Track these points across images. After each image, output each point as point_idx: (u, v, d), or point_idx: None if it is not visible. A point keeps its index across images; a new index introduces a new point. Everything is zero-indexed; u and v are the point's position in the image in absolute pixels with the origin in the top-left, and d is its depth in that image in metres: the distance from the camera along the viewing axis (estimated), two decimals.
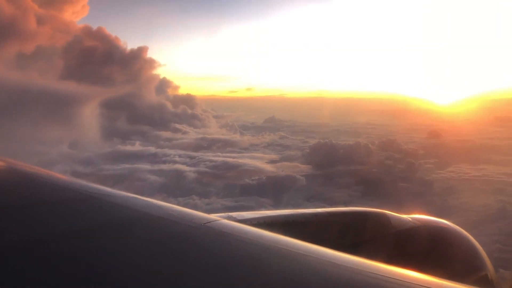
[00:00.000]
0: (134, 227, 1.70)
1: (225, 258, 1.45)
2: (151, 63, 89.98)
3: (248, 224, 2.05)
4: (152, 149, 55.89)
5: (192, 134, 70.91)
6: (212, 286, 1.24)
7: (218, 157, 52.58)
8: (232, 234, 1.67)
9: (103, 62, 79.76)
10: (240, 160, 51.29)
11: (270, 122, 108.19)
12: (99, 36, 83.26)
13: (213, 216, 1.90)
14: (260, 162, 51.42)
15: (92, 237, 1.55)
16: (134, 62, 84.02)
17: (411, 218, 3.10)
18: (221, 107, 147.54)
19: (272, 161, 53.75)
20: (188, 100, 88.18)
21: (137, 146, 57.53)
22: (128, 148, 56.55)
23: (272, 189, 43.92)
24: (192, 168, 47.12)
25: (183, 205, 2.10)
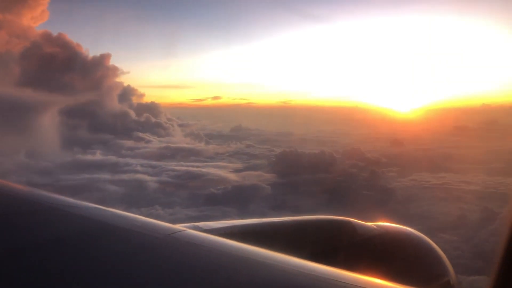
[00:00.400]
0: (97, 239, 1.66)
1: (192, 269, 1.43)
2: (113, 70, 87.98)
3: (214, 234, 2.01)
4: (113, 158, 54.83)
5: (155, 143, 69.96)
6: None
7: (181, 167, 51.87)
8: (198, 244, 1.65)
9: (63, 69, 77.73)
10: (203, 170, 50.77)
11: (236, 131, 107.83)
12: (60, 42, 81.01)
13: (178, 227, 1.87)
14: (224, 172, 51.06)
15: (53, 250, 1.50)
16: (96, 70, 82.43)
17: (376, 225, 3.11)
18: (187, 116, 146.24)
19: (236, 170, 53.54)
20: (152, 108, 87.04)
21: (97, 156, 56.24)
22: (89, 157, 55.24)
23: (237, 198, 43.82)
24: (154, 178, 46.39)
25: (146, 216, 2.05)
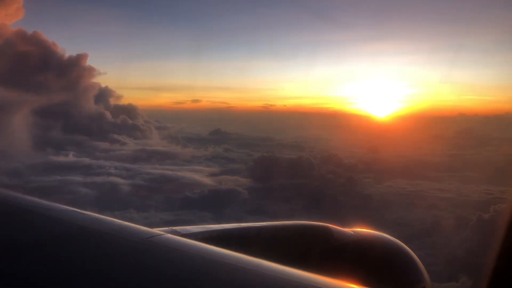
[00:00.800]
0: (73, 242, 1.62)
1: (169, 274, 1.41)
2: (90, 71, 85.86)
3: (192, 239, 1.97)
4: (86, 160, 53.65)
5: (131, 145, 68.87)
6: None
7: (156, 170, 51.24)
8: (176, 249, 1.63)
9: (38, 68, 75.53)
10: (178, 173, 50.10)
11: (215, 135, 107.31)
12: (34, 40, 78.82)
13: (156, 231, 1.83)
14: (199, 176, 50.50)
15: (27, 253, 1.46)
16: (71, 70, 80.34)
17: (353, 231, 3.13)
18: (166, 118, 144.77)
19: (212, 174, 53.11)
20: (129, 110, 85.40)
21: (70, 157, 55.02)
22: (61, 159, 53.89)
23: (214, 202, 43.59)
24: (127, 181, 45.63)
25: (120, 220, 2.00)
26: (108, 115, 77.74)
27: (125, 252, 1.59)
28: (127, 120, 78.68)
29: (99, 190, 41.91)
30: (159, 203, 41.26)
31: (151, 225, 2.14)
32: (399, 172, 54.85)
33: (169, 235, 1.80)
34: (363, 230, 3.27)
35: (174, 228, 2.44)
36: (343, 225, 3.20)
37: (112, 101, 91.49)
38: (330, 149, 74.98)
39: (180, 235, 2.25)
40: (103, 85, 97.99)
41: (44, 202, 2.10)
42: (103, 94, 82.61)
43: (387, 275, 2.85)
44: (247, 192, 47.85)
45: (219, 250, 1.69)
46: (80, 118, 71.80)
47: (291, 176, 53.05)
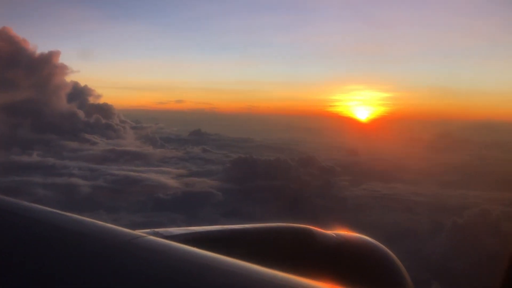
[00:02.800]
0: (51, 244, 1.56)
1: (153, 277, 1.38)
2: (62, 68, 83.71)
3: (175, 241, 1.87)
4: (51, 160, 51.96)
5: (101, 145, 67.01)
6: None
7: (121, 171, 49.83)
8: (160, 251, 1.59)
9: (6, 64, 73.60)
10: (143, 175, 48.77)
11: (195, 135, 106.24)
12: (3, 36, 76.83)
13: (138, 233, 1.77)
14: (165, 177, 49.17)
15: (4, 256, 1.44)
16: (42, 67, 78.12)
17: (335, 234, 3.01)
18: (147, 118, 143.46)
19: (180, 176, 51.83)
20: (104, 109, 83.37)
21: (34, 157, 53.16)
22: (24, 158, 52.07)
23: (186, 205, 42.97)
24: (89, 182, 44.18)
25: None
26: (81, 114, 75.88)
27: (107, 254, 1.51)
28: (101, 119, 76.78)
29: (57, 191, 40.34)
30: (121, 206, 40.15)
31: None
32: (376, 175, 54.80)
33: (152, 237, 1.72)
34: (345, 232, 3.13)
35: (156, 230, 2.28)
36: (320, 228, 3.05)
37: (92, 100, 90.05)
38: (309, 151, 74.75)
39: (162, 237, 2.09)
40: (82, 84, 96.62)
41: (20, 202, 1.97)
42: (80, 93, 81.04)
43: (370, 277, 2.77)
44: (222, 194, 47.25)
45: (203, 252, 1.62)
46: (50, 116, 69.90)
47: (268, 178, 52.68)
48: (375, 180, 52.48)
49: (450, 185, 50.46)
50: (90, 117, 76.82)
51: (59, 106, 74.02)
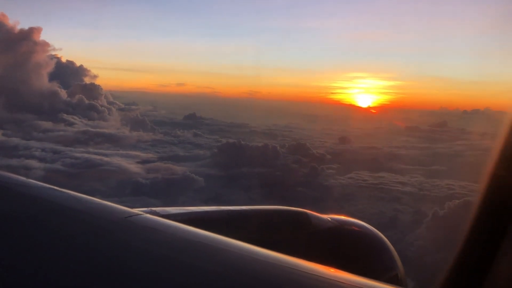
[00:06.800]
0: (47, 221, 1.55)
1: (149, 254, 1.39)
2: (43, 46, 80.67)
3: (172, 220, 1.92)
4: (15, 140, 50.01)
5: (78, 127, 64.22)
6: (137, 283, 1.22)
7: (86, 154, 47.78)
8: (156, 229, 1.60)
9: None
10: (105, 159, 46.97)
11: (190, 119, 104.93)
12: None
13: (135, 210, 1.78)
14: (129, 162, 47.54)
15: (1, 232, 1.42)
16: (21, 44, 75.14)
17: (330, 218, 3.08)
18: (145, 101, 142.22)
19: (146, 161, 49.92)
20: (91, 90, 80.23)
21: None
22: None
23: (165, 190, 42.03)
24: (44, 165, 42.46)
25: None
26: (62, 93, 73.43)
27: (103, 231, 1.53)
28: (84, 100, 74.07)
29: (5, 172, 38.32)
30: (85, 190, 38.92)
31: None
32: (365, 163, 53.73)
33: (148, 215, 1.74)
34: (340, 217, 3.18)
35: (153, 208, 2.33)
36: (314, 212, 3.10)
37: (87, 81, 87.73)
38: (303, 139, 73.73)
39: (159, 215, 2.14)
40: (77, 64, 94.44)
41: (12, 175, 1.97)
42: (65, 72, 78.55)
43: (363, 261, 2.85)
44: (203, 180, 46.22)
45: (199, 231, 1.64)
46: (28, 95, 67.58)
47: (254, 165, 51.75)
48: (363, 169, 51.40)
49: (438, 175, 49.37)
50: (73, 98, 74.44)
51: (39, 85, 71.83)
